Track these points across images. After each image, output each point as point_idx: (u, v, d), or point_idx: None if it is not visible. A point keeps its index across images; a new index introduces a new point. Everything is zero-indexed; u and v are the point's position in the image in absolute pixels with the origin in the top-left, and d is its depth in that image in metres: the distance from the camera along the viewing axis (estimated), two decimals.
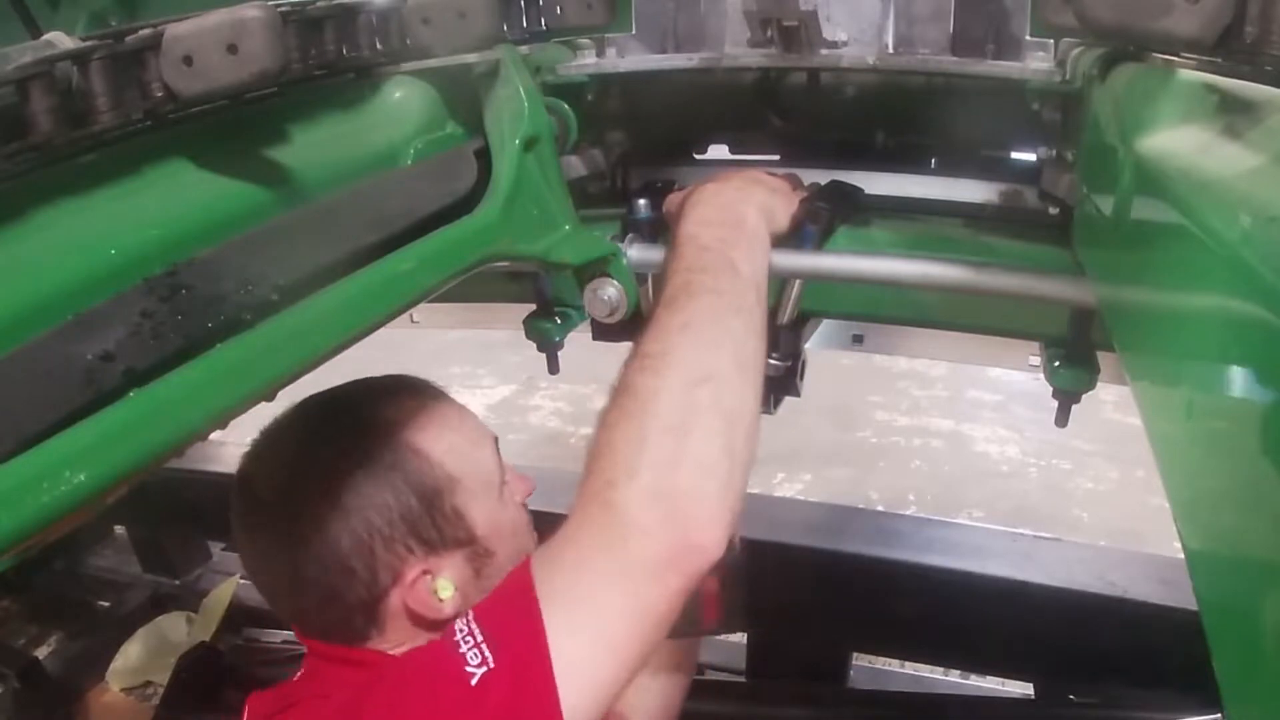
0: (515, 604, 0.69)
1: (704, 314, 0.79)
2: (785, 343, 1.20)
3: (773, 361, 1.19)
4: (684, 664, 1.33)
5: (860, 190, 1.20)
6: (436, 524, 0.89)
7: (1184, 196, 0.54)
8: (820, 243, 1.06)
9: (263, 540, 0.91)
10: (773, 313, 1.14)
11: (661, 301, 0.83)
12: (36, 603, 2.79)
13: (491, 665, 0.66)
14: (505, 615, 0.70)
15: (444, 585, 0.88)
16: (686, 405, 0.73)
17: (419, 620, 0.88)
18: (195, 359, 0.63)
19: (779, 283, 1.14)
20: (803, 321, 1.24)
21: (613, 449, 0.73)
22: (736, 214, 0.91)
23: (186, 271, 0.67)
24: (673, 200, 1.04)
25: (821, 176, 1.24)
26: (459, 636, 0.69)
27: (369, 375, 1.01)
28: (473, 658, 0.67)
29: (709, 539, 0.70)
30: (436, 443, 0.91)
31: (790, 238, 1.01)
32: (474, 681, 0.66)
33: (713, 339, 0.78)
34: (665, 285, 0.84)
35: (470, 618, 0.71)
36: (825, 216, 1.07)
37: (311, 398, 0.96)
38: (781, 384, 1.24)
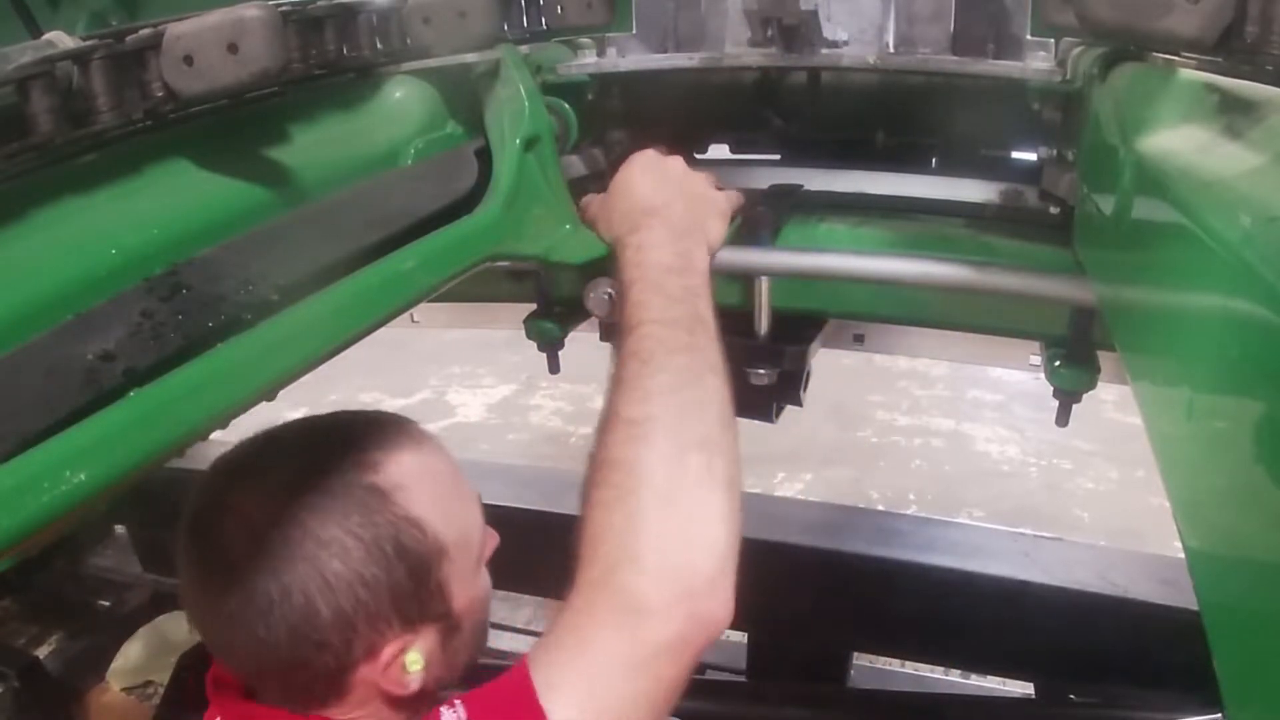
0: (514, 700, 0.66)
1: (684, 375, 0.77)
2: (775, 356, 1.19)
3: (760, 372, 1.20)
4: None
5: (799, 187, 1.22)
6: (420, 599, 0.80)
7: (1184, 196, 0.54)
8: (772, 242, 1.09)
9: (230, 602, 0.76)
10: (749, 323, 1.15)
11: (633, 354, 0.79)
12: (36, 603, 2.79)
13: None
14: (503, 710, 0.67)
15: (414, 659, 0.80)
16: (680, 476, 0.72)
17: (384, 695, 0.81)
18: (195, 359, 0.63)
19: (743, 291, 1.15)
20: (808, 332, 1.23)
21: (611, 532, 0.70)
22: (693, 256, 0.89)
23: (186, 271, 0.67)
24: (592, 206, 1.01)
25: (821, 177, 1.24)
26: None
27: (346, 409, 0.89)
28: None
29: (720, 607, 0.70)
30: (433, 509, 0.81)
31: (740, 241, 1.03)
32: None
33: (696, 401, 0.76)
34: (631, 334, 0.80)
35: (461, 712, 0.67)
36: (769, 219, 1.10)
37: (287, 432, 0.84)
38: (783, 393, 1.24)
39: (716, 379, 0.78)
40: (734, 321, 1.16)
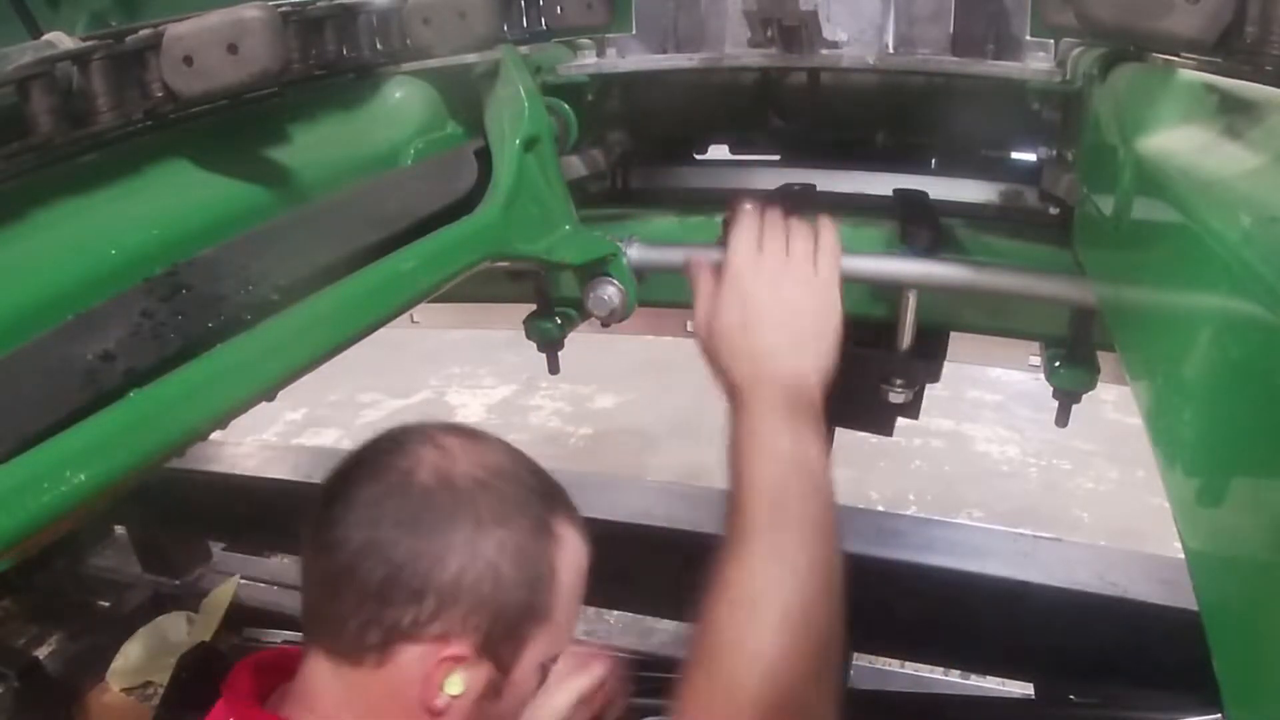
0: None
1: (795, 547, 0.76)
2: (911, 370, 1.17)
3: (899, 388, 1.18)
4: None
5: (812, 187, 1.21)
6: (506, 633, 0.80)
7: (1184, 196, 0.54)
8: None
9: (377, 513, 0.78)
10: (892, 335, 1.13)
11: (748, 517, 0.78)
12: (36, 603, 2.79)
13: None
14: None
15: (455, 681, 0.78)
16: (785, 649, 0.72)
17: (406, 701, 0.79)
18: (195, 359, 0.63)
19: (894, 305, 1.11)
20: (937, 345, 1.19)
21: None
22: (810, 403, 0.85)
23: (186, 271, 0.67)
24: (703, 322, 0.91)
25: (821, 177, 1.24)
26: None
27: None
28: None
29: None
30: (565, 583, 0.83)
31: None
32: None
33: (807, 570, 0.75)
34: (746, 492, 0.79)
35: None
36: None
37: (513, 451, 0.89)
38: (908, 407, 1.23)
39: (826, 547, 0.77)
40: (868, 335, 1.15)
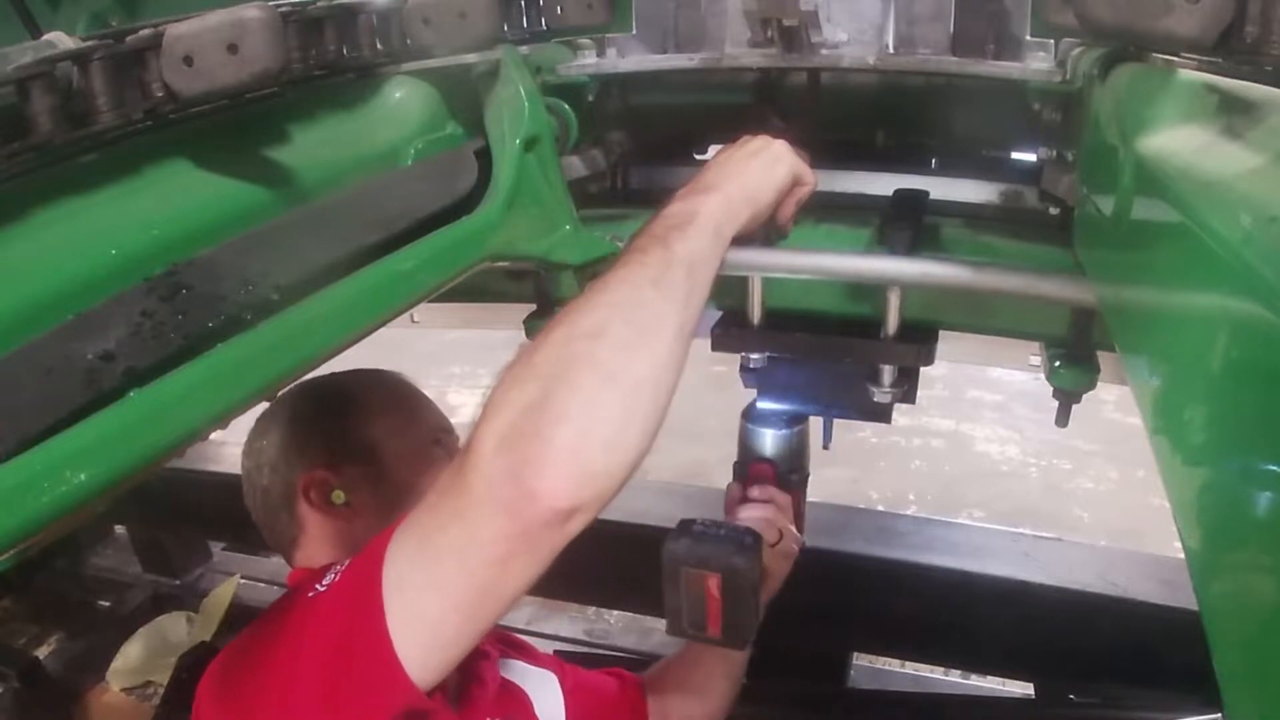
0: (375, 543, 0.74)
1: (615, 280, 0.74)
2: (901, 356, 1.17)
3: (888, 390, 1.19)
4: (730, 673, 1.36)
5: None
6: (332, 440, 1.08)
7: (1184, 196, 0.54)
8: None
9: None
10: (877, 329, 1.13)
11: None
12: (36, 603, 2.79)
13: (331, 583, 0.78)
14: (367, 551, 0.75)
15: (338, 494, 1.05)
16: (557, 358, 0.68)
17: (330, 533, 1.06)
18: (195, 359, 0.63)
19: (881, 298, 1.12)
20: (926, 340, 1.18)
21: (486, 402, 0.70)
22: (711, 188, 0.84)
23: (186, 271, 0.67)
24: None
25: (821, 177, 1.24)
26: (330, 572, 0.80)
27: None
28: (325, 581, 0.79)
29: (548, 488, 0.64)
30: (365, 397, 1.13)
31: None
32: (310, 595, 0.78)
33: (611, 301, 0.72)
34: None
35: (336, 573, 0.79)
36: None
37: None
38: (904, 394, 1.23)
39: (653, 290, 0.73)
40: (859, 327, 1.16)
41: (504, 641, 1.28)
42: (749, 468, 1.37)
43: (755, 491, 1.35)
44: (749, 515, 1.31)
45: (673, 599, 1.11)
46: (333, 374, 1.07)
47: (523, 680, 1.22)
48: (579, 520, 0.67)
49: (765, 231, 0.95)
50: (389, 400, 1.14)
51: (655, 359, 0.71)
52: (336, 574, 0.78)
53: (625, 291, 0.73)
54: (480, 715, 1.07)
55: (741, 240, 0.86)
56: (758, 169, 0.89)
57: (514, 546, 0.66)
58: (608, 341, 0.69)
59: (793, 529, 1.35)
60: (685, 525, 1.13)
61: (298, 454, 1.07)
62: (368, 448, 1.08)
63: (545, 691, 1.24)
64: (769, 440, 1.36)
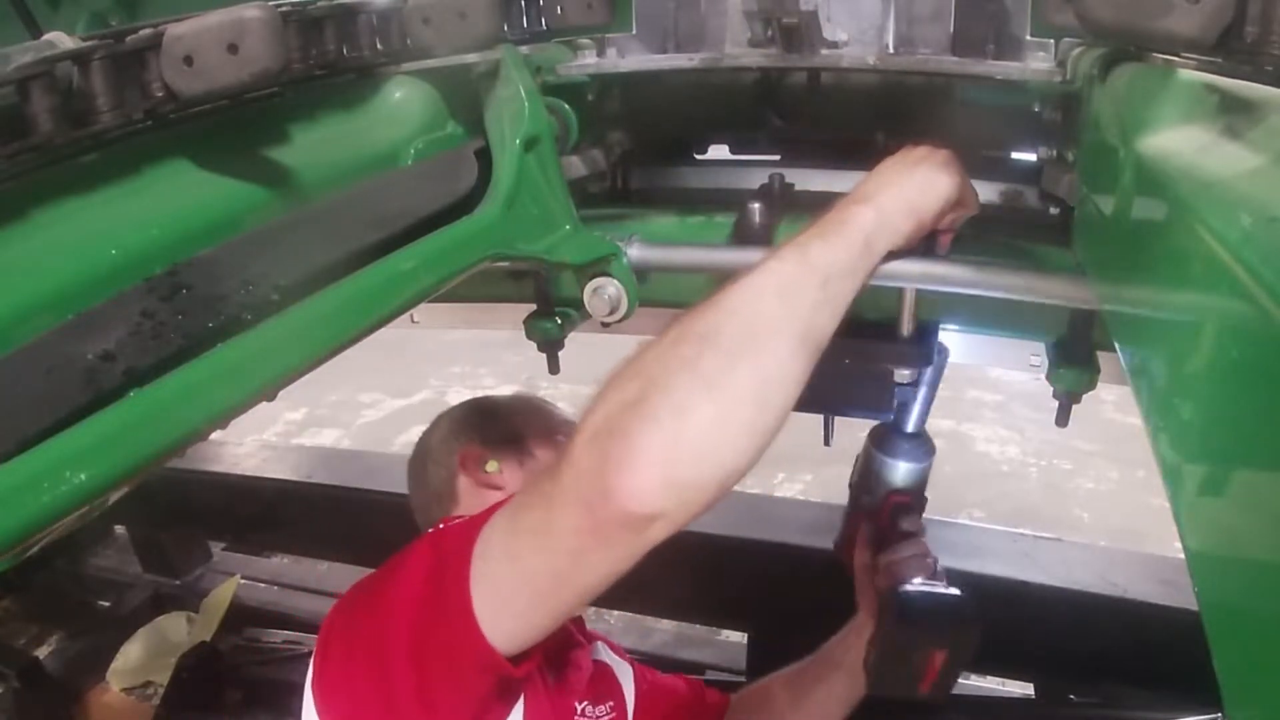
0: (492, 506, 0.79)
1: (742, 284, 0.71)
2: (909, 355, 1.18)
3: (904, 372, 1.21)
4: (851, 698, 1.39)
5: (791, 186, 1.22)
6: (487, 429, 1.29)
7: (1184, 196, 0.54)
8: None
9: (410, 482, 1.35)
10: (892, 325, 1.14)
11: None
12: (36, 603, 2.80)
13: (449, 527, 0.86)
14: (485, 510, 0.79)
15: (493, 465, 1.22)
16: (662, 358, 0.66)
17: (483, 491, 1.21)
18: (195, 359, 0.63)
19: (896, 296, 1.12)
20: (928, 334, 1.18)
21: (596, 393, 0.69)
22: (866, 198, 0.81)
23: (186, 271, 0.67)
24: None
25: (822, 177, 1.24)
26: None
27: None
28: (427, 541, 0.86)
29: (626, 489, 0.62)
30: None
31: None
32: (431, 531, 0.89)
33: (730, 306, 0.69)
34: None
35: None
36: (766, 218, 1.09)
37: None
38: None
39: (778, 300, 0.70)
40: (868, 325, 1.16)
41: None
42: (887, 500, 1.35)
43: (906, 524, 1.35)
44: (908, 554, 1.31)
45: (888, 664, 1.14)
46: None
47: (616, 668, 1.34)
48: (661, 527, 0.64)
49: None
50: (526, 401, 1.38)
51: (762, 371, 0.67)
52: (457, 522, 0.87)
53: (746, 297, 0.70)
54: (573, 698, 1.16)
55: (898, 255, 0.82)
56: (918, 180, 0.84)
57: (588, 541, 0.65)
58: (713, 347, 0.66)
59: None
60: (905, 595, 1.16)
61: (456, 438, 1.27)
62: (513, 431, 1.27)
63: (628, 682, 1.35)
64: (908, 472, 1.36)
